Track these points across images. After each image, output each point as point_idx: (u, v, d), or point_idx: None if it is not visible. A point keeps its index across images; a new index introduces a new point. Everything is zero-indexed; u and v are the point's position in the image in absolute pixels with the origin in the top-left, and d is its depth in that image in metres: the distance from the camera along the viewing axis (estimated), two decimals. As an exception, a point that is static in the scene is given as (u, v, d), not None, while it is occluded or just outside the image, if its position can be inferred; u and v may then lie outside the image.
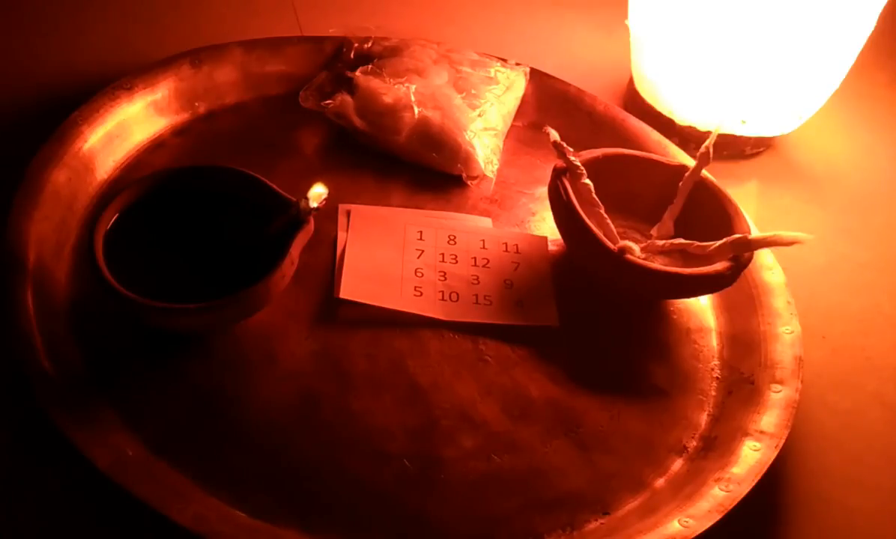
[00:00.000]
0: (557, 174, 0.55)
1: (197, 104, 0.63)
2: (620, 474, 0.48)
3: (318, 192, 0.48)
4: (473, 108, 0.64)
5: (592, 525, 0.45)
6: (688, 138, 0.70)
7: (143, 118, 0.60)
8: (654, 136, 0.68)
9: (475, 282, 0.56)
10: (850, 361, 0.58)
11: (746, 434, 0.49)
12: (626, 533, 0.44)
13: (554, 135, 0.56)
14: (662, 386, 0.53)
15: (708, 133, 0.58)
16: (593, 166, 0.56)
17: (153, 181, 0.49)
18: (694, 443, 0.50)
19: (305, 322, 0.51)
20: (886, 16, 0.64)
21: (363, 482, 0.45)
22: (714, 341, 0.57)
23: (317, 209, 0.48)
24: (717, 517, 0.44)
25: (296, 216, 0.48)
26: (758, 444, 0.48)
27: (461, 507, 0.45)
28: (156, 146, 0.60)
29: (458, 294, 0.54)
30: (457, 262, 0.57)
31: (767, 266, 0.58)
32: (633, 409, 0.51)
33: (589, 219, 0.53)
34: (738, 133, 0.71)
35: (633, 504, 0.47)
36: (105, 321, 0.48)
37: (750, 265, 0.54)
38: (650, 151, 0.63)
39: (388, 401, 0.48)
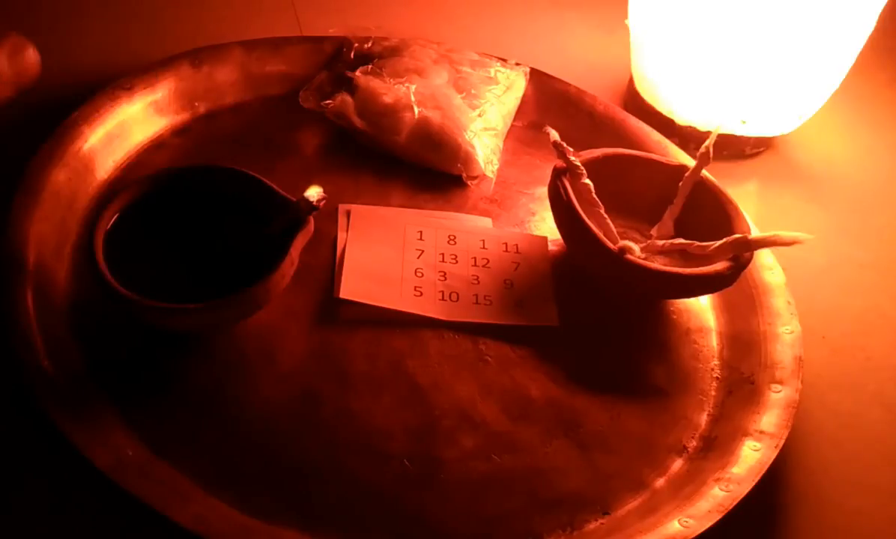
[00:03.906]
0: (557, 174, 0.55)
1: (197, 104, 0.63)
2: (620, 474, 0.48)
3: (316, 192, 0.48)
4: (473, 108, 0.64)
5: (592, 525, 0.45)
6: (688, 138, 0.70)
7: (143, 118, 0.60)
8: (654, 136, 0.68)
9: (475, 282, 0.55)
10: (850, 361, 0.58)
11: (746, 434, 0.49)
12: (626, 533, 0.44)
13: (554, 135, 0.56)
14: (662, 386, 0.53)
15: (708, 133, 0.58)
16: (593, 166, 0.56)
17: (153, 181, 0.49)
18: (694, 443, 0.50)
19: (305, 322, 0.51)
20: (886, 16, 0.64)
21: (363, 482, 0.45)
22: (714, 341, 0.57)
23: (317, 209, 0.48)
24: (717, 517, 0.44)
25: (296, 216, 0.48)
26: (758, 444, 0.48)
27: (461, 507, 0.45)
28: (156, 146, 0.60)
29: (458, 294, 0.54)
30: (457, 262, 0.57)
31: (767, 266, 0.58)
32: (633, 409, 0.51)
33: (589, 219, 0.53)
34: (738, 133, 0.71)
35: (633, 504, 0.47)
36: (105, 321, 0.48)
37: (750, 265, 0.54)
38: (650, 151, 0.63)
39: (388, 401, 0.48)
